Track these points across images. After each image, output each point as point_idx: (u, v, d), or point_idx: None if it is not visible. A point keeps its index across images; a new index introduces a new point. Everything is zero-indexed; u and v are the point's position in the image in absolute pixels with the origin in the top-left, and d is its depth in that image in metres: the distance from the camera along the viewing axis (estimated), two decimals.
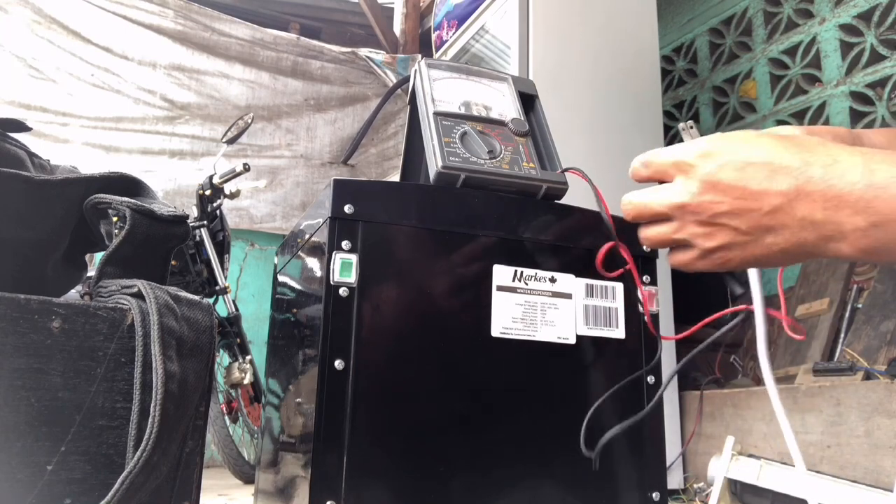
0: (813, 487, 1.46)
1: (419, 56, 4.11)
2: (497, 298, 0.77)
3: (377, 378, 0.71)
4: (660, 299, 0.84)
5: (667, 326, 2.05)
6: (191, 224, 2.04)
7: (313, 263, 0.79)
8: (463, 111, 0.85)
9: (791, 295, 2.45)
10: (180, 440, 0.60)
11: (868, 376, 1.75)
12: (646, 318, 0.80)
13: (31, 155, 0.77)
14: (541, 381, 0.77)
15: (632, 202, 0.56)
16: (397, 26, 4.31)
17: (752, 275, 0.57)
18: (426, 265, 0.76)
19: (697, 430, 2.10)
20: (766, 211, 0.48)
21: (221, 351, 2.72)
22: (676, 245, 0.54)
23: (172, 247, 0.72)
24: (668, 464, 0.82)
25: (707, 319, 0.67)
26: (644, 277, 0.83)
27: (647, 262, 0.84)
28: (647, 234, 0.56)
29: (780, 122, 2.85)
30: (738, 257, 0.51)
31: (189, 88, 3.67)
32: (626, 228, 0.83)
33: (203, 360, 0.63)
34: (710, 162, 0.50)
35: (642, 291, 0.80)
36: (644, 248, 0.55)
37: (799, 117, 2.79)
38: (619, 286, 0.82)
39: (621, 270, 0.78)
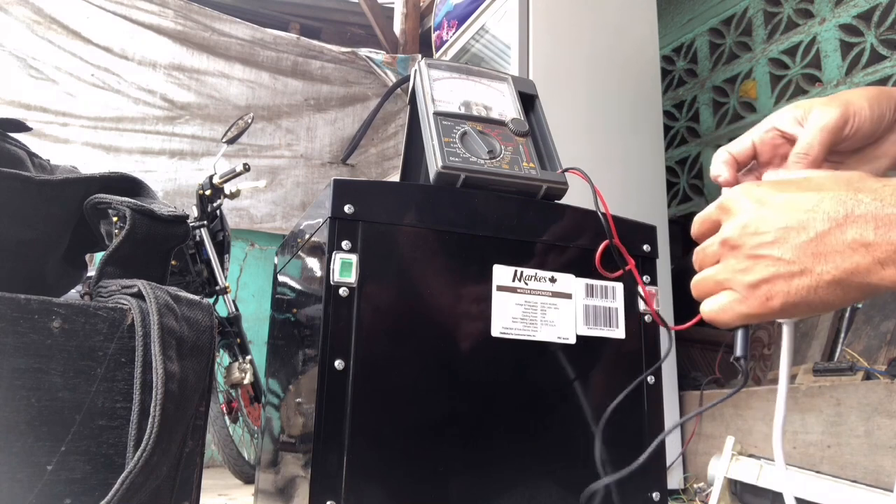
0: (799, 484, 1.46)
1: (419, 56, 4.11)
2: (497, 298, 0.77)
3: (377, 378, 0.71)
4: (660, 300, 0.84)
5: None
6: (191, 224, 2.04)
7: (313, 263, 0.79)
8: (463, 111, 0.85)
9: None
10: (180, 440, 0.60)
11: (868, 376, 1.75)
12: (651, 314, 0.80)
13: (31, 155, 0.77)
14: (541, 381, 0.77)
15: (696, 260, 0.54)
16: (397, 26, 4.31)
17: (786, 328, 0.54)
18: (426, 265, 0.76)
19: (697, 430, 2.10)
20: (812, 237, 0.45)
21: (221, 351, 2.72)
22: (718, 288, 0.51)
23: (172, 247, 0.72)
24: (668, 464, 0.82)
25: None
26: (644, 277, 0.83)
27: (647, 263, 0.84)
28: (695, 280, 0.53)
29: None
30: (782, 293, 0.46)
31: (189, 88, 3.67)
32: (625, 229, 0.83)
33: (203, 360, 0.63)
34: (753, 199, 0.49)
35: (644, 290, 0.80)
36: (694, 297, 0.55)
37: None
38: (619, 286, 0.82)
39: (621, 272, 0.79)
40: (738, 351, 0.53)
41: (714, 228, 0.52)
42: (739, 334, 0.53)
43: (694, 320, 0.72)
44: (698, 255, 0.54)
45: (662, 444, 0.82)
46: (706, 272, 0.52)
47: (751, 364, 2.44)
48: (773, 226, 0.47)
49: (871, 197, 0.43)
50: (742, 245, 0.48)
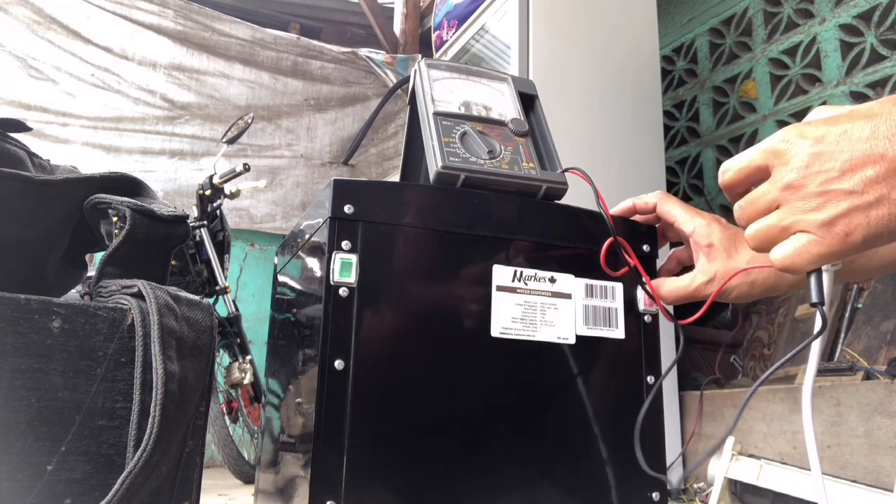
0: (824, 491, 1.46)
1: (419, 56, 4.11)
2: (497, 298, 0.77)
3: (377, 378, 0.71)
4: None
5: (667, 326, 2.05)
6: (191, 224, 2.04)
7: (313, 263, 0.79)
8: (463, 111, 0.85)
9: (791, 295, 2.45)
10: (180, 440, 0.60)
11: (868, 376, 1.75)
12: (660, 310, 0.80)
13: (31, 155, 0.77)
14: (541, 382, 0.77)
15: (740, 208, 0.51)
16: (397, 26, 4.31)
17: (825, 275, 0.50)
18: (426, 265, 0.76)
19: (697, 430, 2.10)
20: (879, 164, 0.43)
21: (221, 351, 2.72)
22: (786, 233, 0.48)
23: (172, 247, 0.72)
24: (668, 464, 0.82)
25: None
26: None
27: (647, 263, 0.84)
28: (753, 230, 0.50)
29: (781, 123, 2.86)
30: (862, 226, 0.44)
31: (189, 88, 3.67)
32: (625, 229, 0.83)
33: (203, 360, 0.63)
34: (807, 138, 0.47)
35: (650, 285, 0.80)
36: (753, 248, 0.51)
37: (799, 118, 2.79)
38: (619, 286, 0.82)
39: (626, 269, 0.79)
40: (815, 297, 0.49)
41: (758, 176, 0.50)
42: (814, 279, 0.50)
43: (699, 314, 0.72)
44: (747, 206, 0.50)
45: (662, 440, 0.82)
46: (766, 220, 0.49)
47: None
48: (837, 161, 0.45)
49: None
50: (807, 185, 0.46)
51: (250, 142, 3.68)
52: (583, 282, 0.81)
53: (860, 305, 2.12)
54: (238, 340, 2.70)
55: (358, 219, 0.73)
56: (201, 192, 2.77)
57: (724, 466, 1.65)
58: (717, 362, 2.41)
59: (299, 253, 0.88)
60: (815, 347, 0.53)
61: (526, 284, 0.78)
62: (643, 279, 0.78)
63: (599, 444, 0.77)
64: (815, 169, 0.46)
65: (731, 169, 0.52)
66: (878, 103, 0.46)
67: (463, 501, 0.72)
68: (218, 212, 2.79)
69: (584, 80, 2.21)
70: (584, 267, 0.81)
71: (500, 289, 0.77)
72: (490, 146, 0.81)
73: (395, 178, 1.00)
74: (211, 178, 2.74)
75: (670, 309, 0.80)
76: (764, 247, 0.50)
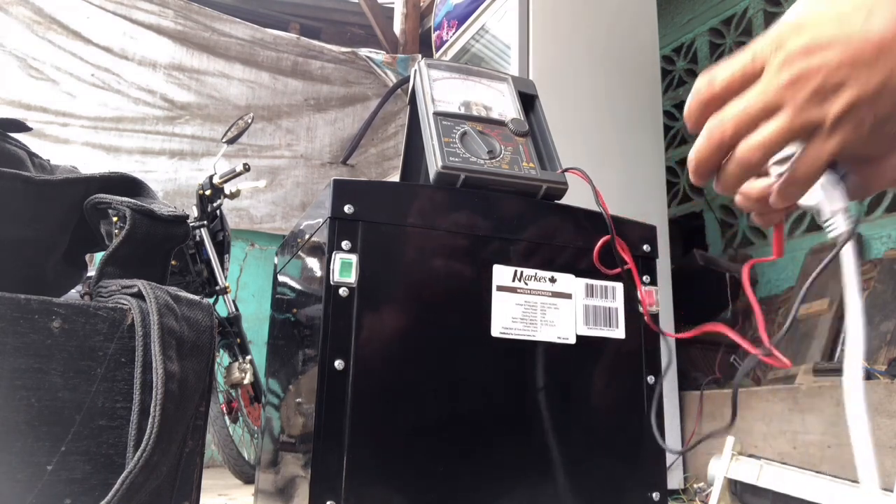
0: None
1: (419, 56, 4.11)
2: (497, 298, 0.77)
3: (377, 378, 0.71)
4: (660, 299, 0.84)
5: (667, 326, 2.05)
6: (191, 224, 2.04)
7: (313, 263, 0.79)
8: (463, 111, 0.85)
9: (791, 295, 2.45)
10: (180, 440, 0.60)
11: (868, 376, 1.75)
12: (645, 317, 0.81)
13: (32, 155, 0.77)
14: (541, 382, 0.77)
15: (723, 121, 0.43)
16: (397, 26, 4.31)
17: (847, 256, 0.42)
18: (426, 265, 0.76)
19: (697, 430, 2.10)
20: (876, 42, 0.39)
21: (221, 351, 2.72)
22: (795, 138, 0.43)
23: (172, 247, 0.72)
24: (668, 464, 0.82)
25: (706, 328, 0.64)
26: (644, 277, 0.83)
27: (647, 263, 0.84)
28: (755, 140, 0.43)
29: None
30: (870, 115, 0.41)
31: (189, 88, 3.67)
32: (625, 229, 0.83)
33: (203, 360, 0.63)
34: (806, 29, 0.42)
35: (641, 290, 0.80)
36: (750, 162, 0.43)
37: None
38: (619, 286, 0.82)
39: (619, 270, 0.79)
40: (840, 202, 0.43)
41: (744, 84, 0.44)
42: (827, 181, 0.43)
43: (691, 333, 0.71)
44: (734, 118, 0.44)
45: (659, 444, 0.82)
46: (772, 125, 0.43)
47: None
48: (838, 47, 0.41)
49: None
50: (811, 78, 0.41)
51: (250, 142, 3.68)
52: (583, 281, 0.81)
53: None
54: (238, 340, 2.70)
55: (358, 219, 0.73)
56: (201, 192, 2.77)
57: (724, 466, 1.65)
58: (716, 362, 2.41)
59: (299, 253, 0.88)
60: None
61: (526, 284, 0.78)
62: (635, 282, 0.78)
63: (599, 444, 0.77)
64: (818, 60, 0.42)
65: (717, 76, 0.45)
66: None
67: (463, 501, 0.72)
68: (218, 212, 2.79)
69: (584, 80, 2.21)
70: (585, 267, 0.81)
71: (500, 289, 0.77)
72: (490, 146, 0.81)
73: (395, 178, 1.00)
74: (211, 178, 2.74)
75: (669, 318, 0.81)
76: (770, 154, 0.44)
